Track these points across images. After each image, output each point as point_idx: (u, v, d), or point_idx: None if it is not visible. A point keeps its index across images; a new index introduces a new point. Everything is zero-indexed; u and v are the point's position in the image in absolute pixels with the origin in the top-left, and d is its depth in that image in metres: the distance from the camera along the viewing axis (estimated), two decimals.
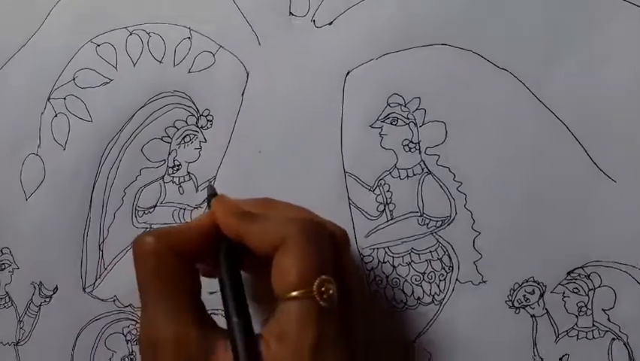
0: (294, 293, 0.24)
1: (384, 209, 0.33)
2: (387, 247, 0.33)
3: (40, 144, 0.38)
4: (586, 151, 0.30)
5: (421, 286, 0.32)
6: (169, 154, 0.36)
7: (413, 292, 0.32)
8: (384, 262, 0.33)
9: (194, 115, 0.35)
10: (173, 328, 0.25)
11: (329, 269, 0.25)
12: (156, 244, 0.26)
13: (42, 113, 0.38)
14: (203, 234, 0.27)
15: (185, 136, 0.36)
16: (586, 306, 0.30)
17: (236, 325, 0.25)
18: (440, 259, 0.32)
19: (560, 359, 0.30)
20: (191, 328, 0.25)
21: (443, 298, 0.32)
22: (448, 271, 0.32)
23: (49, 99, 0.38)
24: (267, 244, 0.26)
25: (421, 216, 0.32)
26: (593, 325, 0.30)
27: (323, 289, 0.24)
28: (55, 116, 0.38)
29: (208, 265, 0.29)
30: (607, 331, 0.30)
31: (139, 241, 0.26)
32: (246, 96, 0.34)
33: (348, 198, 0.33)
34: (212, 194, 0.32)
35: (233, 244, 0.27)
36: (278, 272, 0.25)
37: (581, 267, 0.30)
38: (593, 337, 0.30)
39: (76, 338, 0.37)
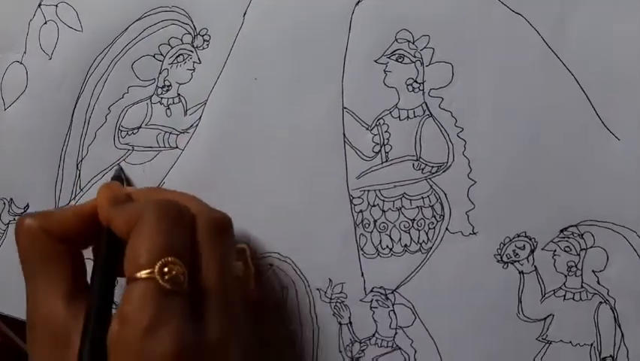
0: (137, 274, 0.27)
1: (380, 150, 0.35)
2: (379, 190, 0.35)
3: (26, 52, 0.40)
4: (593, 106, 0.33)
5: (409, 233, 0.35)
6: (160, 73, 0.38)
7: (400, 239, 0.35)
8: (374, 206, 0.35)
9: (190, 33, 0.38)
10: (43, 307, 0.29)
11: (180, 252, 0.28)
12: (31, 224, 0.31)
13: (31, 20, 0.40)
14: (81, 217, 0.32)
15: (178, 55, 0.38)
16: (576, 266, 0.32)
17: (90, 305, 0.29)
18: (432, 207, 0.34)
19: (544, 319, 0.33)
20: (60, 307, 0.29)
21: (431, 247, 0.34)
22: (438, 219, 0.34)
23: (39, 5, 0.40)
24: (124, 227, 0.29)
25: (417, 160, 0.35)
26: (582, 286, 0.32)
27: (166, 269, 0.27)
28: (45, 23, 0.40)
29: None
30: (595, 293, 0.32)
31: (18, 221, 0.31)
32: (247, 17, 0.37)
33: (344, 135, 0.35)
34: (117, 176, 0.36)
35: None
36: (127, 255, 0.28)
37: (575, 225, 0.32)
38: (580, 298, 0.32)
39: None
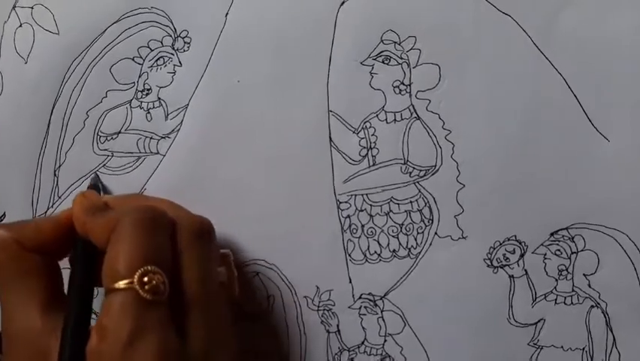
0: (116, 285, 0.26)
1: (367, 154, 0.35)
2: (366, 195, 0.35)
3: (0, 55, 0.40)
4: (582, 108, 0.33)
5: (398, 238, 0.35)
6: (139, 77, 0.38)
7: (389, 244, 0.35)
8: (362, 211, 0.35)
9: (170, 36, 0.37)
10: (19, 320, 0.29)
11: (160, 260, 0.27)
12: (3, 235, 0.30)
13: (5, 22, 0.40)
14: (56, 228, 0.31)
15: (158, 58, 0.37)
16: (567, 270, 0.33)
17: (68, 318, 0.28)
18: (420, 211, 0.34)
19: (536, 323, 0.33)
20: (36, 320, 0.28)
21: (420, 253, 0.34)
22: (427, 223, 0.34)
23: (14, 7, 0.40)
24: (103, 236, 0.28)
25: (404, 164, 0.35)
26: (573, 290, 0.33)
27: (146, 279, 0.26)
28: (20, 26, 0.39)
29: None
30: (586, 297, 0.32)
31: None
32: (229, 18, 0.36)
33: (330, 139, 0.35)
34: (93, 185, 0.36)
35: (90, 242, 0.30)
36: (105, 265, 0.27)
37: (566, 228, 0.33)
38: (572, 302, 0.33)
39: None
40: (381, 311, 0.35)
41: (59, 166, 0.39)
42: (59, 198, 0.39)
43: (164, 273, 0.27)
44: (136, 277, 0.26)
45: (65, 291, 0.31)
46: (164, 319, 0.26)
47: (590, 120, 0.33)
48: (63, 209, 0.33)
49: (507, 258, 0.33)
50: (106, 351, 0.26)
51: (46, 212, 0.39)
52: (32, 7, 0.39)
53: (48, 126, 0.39)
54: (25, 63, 0.39)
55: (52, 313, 0.29)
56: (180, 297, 0.28)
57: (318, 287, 0.35)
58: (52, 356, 0.28)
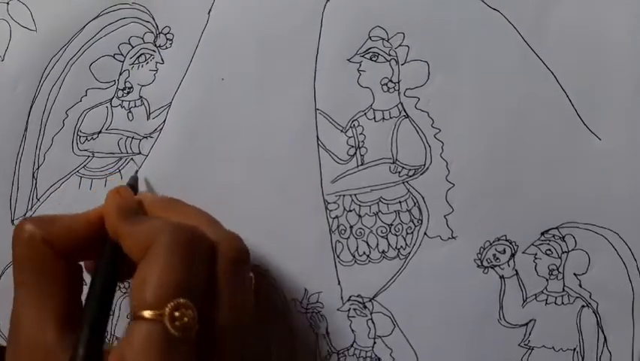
0: (144, 313, 0.24)
1: (355, 153, 0.35)
2: (355, 195, 0.35)
3: None
4: (573, 106, 0.33)
5: (387, 239, 0.34)
6: (120, 74, 0.37)
7: (378, 245, 0.35)
8: (350, 211, 0.35)
9: (152, 32, 0.37)
10: (32, 327, 0.27)
11: (194, 290, 0.25)
12: (32, 231, 0.28)
13: None
14: (89, 227, 0.29)
15: (140, 55, 0.37)
16: (557, 269, 0.33)
17: (81, 337, 0.26)
18: (409, 211, 0.34)
19: (526, 324, 0.33)
20: (49, 330, 0.27)
21: (409, 253, 0.34)
22: (416, 224, 0.34)
23: None
24: (136, 249, 0.26)
25: (393, 163, 0.34)
26: (564, 290, 0.33)
27: (177, 314, 0.24)
28: None
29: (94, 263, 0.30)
30: (577, 297, 0.33)
31: (17, 226, 0.29)
32: (212, 15, 0.36)
33: (317, 138, 0.35)
34: (131, 184, 0.34)
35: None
36: (134, 285, 0.25)
37: (556, 227, 0.33)
38: (563, 302, 0.33)
39: (0, 277, 0.38)
40: (371, 313, 0.35)
41: (38, 167, 0.38)
42: (38, 200, 0.38)
43: (196, 304, 0.25)
44: (167, 310, 0.24)
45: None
46: (189, 359, 0.25)
47: (581, 118, 0.33)
48: (96, 207, 0.30)
49: (497, 258, 0.33)
50: None
51: (25, 214, 0.39)
52: (8, 3, 0.39)
53: (26, 126, 0.38)
54: (2, 61, 0.38)
55: (68, 330, 0.27)
56: (211, 330, 0.26)
57: (306, 289, 0.35)
58: None
